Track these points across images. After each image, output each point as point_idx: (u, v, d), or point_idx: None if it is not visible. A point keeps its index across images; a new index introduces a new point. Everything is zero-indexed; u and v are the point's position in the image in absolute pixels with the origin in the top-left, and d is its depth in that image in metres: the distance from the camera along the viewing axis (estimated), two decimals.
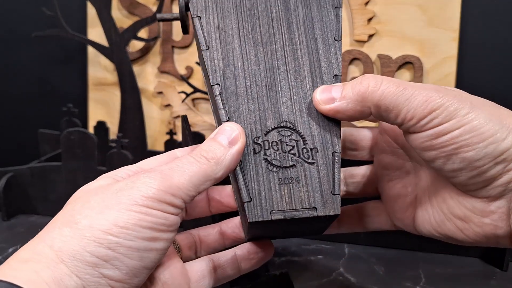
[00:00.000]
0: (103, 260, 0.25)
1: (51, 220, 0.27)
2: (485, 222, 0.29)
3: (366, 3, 0.60)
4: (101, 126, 0.68)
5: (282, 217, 0.29)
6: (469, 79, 0.59)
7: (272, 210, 0.29)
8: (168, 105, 0.68)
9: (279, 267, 0.50)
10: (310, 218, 0.30)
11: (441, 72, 0.58)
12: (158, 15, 0.42)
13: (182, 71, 0.67)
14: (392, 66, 0.59)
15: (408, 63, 0.59)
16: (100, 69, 0.71)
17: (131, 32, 0.64)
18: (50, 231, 0.26)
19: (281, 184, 0.30)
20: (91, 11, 0.68)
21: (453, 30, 0.57)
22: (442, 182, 0.32)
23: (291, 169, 0.30)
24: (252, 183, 0.30)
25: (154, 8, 0.66)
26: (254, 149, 0.31)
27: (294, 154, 0.31)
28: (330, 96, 0.31)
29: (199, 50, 0.36)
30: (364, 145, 0.38)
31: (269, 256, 0.35)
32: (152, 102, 0.69)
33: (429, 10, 0.58)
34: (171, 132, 0.64)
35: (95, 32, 0.69)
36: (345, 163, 0.36)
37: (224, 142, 0.29)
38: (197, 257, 0.35)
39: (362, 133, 0.38)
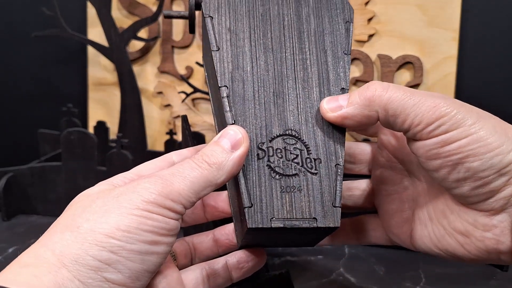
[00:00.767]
0: (106, 264, 0.25)
1: (52, 225, 0.27)
2: (487, 236, 0.29)
3: (366, 3, 0.60)
4: (101, 126, 0.68)
5: (282, 225, 0.29)
6: (469, 79, 0.59)
7: (273, 218, 0.29)
8: (168, 105, 0.68)
9: (279, 267, 0.50)
10: (309, 229, 0.29)
11: (441, 72, 0.58)
12: (165, 12, 0.42)
13: (182, 71, 0.67)
14: (392, 66, 0.59)
15: (408, 63, 0.59)
16: (100, 69, 0.70)
17: (131, 32, 0.64)
18: (51, 235, 0.26)
19: (283, 192, 0.30)
20: (91, 11, 0.68)
21: (453, 30, 0.57)
22: (442, 197, 0.32)
23: (293, 177, 0.30)
24: (254, 188, 0.29)
25: (154, 8, 0.66)
26: (258, 154, 0.30)
27: (298, 163, 0.30)
28: (338, 104, 0.31)
29: (207, 51, 0.35)
30: (362, 159, 0.38)
31: (261, 264, 0.34)
32: (152, 102, 0.69)
33: (429, 10, 0.58)
34: (171, 132, 0.64)
35: (95, 32, 0.68)
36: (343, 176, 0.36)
37: (227, 146, 0.29)
38: (192, 265, 0.34)
39: (361, 147, 0.38)
